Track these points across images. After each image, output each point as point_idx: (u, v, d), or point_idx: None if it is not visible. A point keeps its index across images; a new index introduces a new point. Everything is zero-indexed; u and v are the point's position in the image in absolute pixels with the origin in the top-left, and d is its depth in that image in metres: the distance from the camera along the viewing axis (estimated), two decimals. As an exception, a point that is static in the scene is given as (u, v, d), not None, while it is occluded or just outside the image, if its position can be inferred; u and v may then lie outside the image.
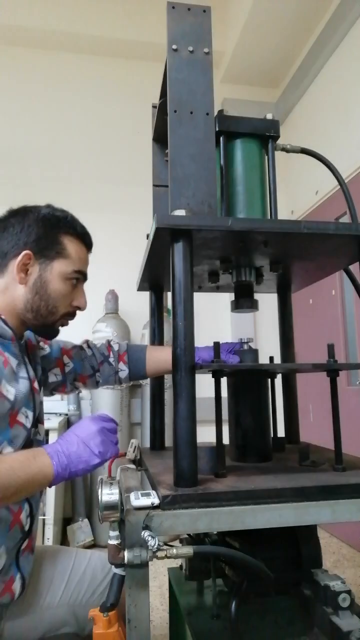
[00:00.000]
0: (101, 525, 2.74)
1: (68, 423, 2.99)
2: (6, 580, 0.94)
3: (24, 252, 0.98)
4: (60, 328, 1.09)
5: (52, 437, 2.53)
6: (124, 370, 1.25)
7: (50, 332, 1.07)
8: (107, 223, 3.36)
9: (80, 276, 1.06)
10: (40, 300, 1.00)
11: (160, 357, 1.23)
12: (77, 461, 0.87)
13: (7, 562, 0.93)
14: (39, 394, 1.07)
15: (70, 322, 1.10)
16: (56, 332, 1.08)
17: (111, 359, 1.25)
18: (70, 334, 1.25)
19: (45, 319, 1.02)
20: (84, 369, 1.23)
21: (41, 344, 1.20)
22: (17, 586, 0.95)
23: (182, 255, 0.82)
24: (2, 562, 0.92)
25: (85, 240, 1.08)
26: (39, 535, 2.35)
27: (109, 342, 1.30)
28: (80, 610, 1.06)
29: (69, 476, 0.87)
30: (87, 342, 1.29)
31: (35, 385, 1.05)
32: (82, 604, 1.06)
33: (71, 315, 1.08)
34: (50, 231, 1.02)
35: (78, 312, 1.09)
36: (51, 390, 1.23)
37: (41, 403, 1.11)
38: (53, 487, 2.43)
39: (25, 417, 0.98)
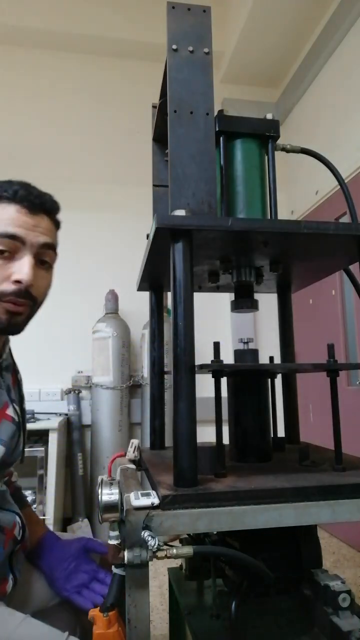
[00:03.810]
0: (101, 525, 2.74)
1: (68, 423, 2.99)
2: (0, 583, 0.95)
3: None
4: (15, 318, 0.89)
5: (52, 437, 2.52)
6: None
7: None
8: (107, 223, 3.37)
9: (8, 240, 0.86)
10: None
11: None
12: None
13: (2, 570, 0.95)
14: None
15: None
16: (4, 324, 0.88)
17: None
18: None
19: None
20: None
21: None
22: (9, 586, 0.97)
23: (182, 255, 0.82)
24: None
25: (18, 199, 0.89)
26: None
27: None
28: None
29: None
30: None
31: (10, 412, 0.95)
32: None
33: (14, 294, 0.87)
34: None
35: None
36: None
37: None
38: (53, 487, 2.43)
39: None
